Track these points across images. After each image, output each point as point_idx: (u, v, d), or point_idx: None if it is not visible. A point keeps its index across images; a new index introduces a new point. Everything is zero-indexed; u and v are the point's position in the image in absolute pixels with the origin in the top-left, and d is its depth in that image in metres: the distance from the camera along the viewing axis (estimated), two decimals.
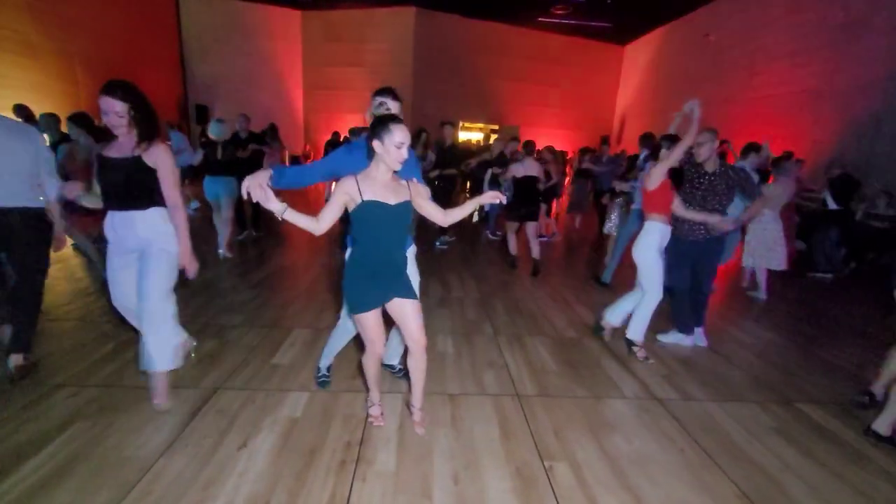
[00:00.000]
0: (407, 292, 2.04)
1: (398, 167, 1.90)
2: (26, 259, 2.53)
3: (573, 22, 14.26)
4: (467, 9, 14.15)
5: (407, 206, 1.97)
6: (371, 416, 2.29)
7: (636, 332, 3.21)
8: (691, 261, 3.33)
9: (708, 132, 3.16)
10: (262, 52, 15.33)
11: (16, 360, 2.45)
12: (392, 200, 1.91)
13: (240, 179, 4.26)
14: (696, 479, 2.03)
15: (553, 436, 2.28)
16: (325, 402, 2.43)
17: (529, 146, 5.53)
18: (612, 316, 3.43)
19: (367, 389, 2.33)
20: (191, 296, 3.85)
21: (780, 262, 4.70)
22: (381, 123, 1.84)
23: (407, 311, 2.03)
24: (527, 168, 5.10)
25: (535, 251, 5.26)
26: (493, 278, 5.03)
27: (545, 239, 6.95)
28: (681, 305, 3.43)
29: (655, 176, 3.07)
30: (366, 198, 1.86)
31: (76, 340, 2.96)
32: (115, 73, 10.88)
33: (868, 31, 7.64)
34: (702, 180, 3.25)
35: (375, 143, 1.84)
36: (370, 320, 2.00)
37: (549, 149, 6.57)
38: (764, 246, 4.71)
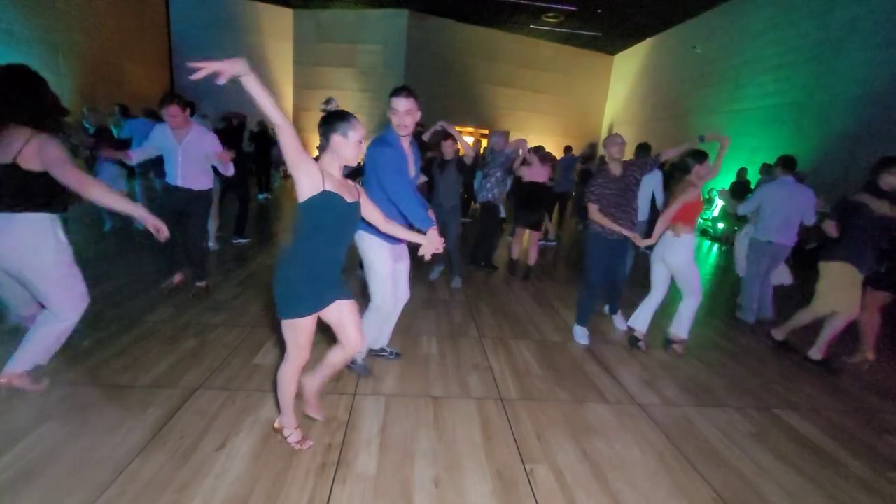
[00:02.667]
0: (344, 293, 1.92)
1: (355, 163, 1.87)
2: None
3: (564, 30, 14.43)
4: (460, 14, 14.22)
5: (358, 207, 1.89)
6: (294, 443, 2.03)
7: (684, 330, 3.49)
8: (608, 256, 3.52)
9: (618, 135, 3.43)
10: (252, 50, 15.20)
11: (199, 284, 3.79)
12: (348, 198, 1.82)
13: (218, 175, 4.11)
14: (674, 484, 2.05)
15: (535, 439, 2.28)
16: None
17: (540, 151, 5.49)
18: (638, 323, 3.55)
19: (280, 410, 2.03)
20: (174, 294, 3.78)
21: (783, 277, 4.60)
22: (341, 118, 1.77)
23: (345, 312, 1.91)
24: (534, 173, 5.05)
25: (532, 257, 5.31)
26: (479, 281, 5.03)
27: (542, 244, 6.95)
28: (591, 300, 3.59)
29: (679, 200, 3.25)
30: (327, 187, 1.72)
31: None
32: (100, 65, 10.69)
33: (847, 49, 7.86)
34: (611, 184, 3.41)
35: (336, 137, 1.77)
36: (307, 326, 1.81)
37: (540, 148, 6.34)
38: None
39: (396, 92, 2.36)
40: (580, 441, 2.30)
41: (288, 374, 1.91)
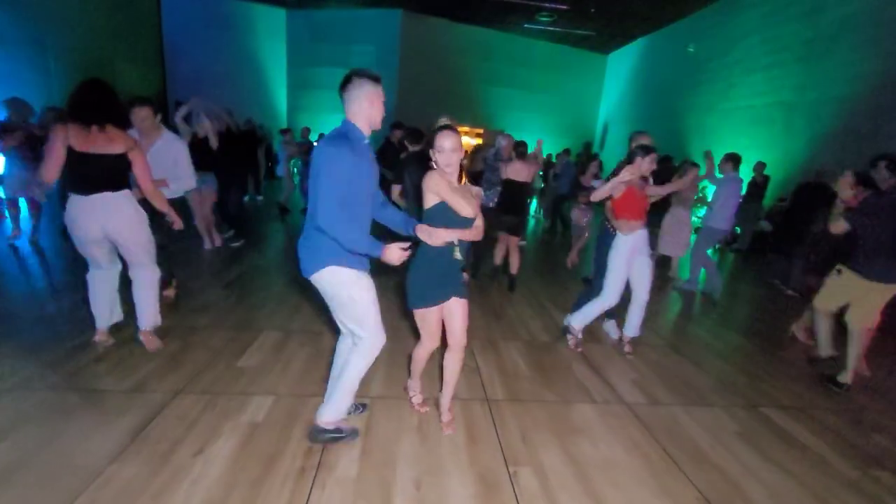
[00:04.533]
0: (462, 292, 2.17)
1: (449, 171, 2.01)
2: None
3: (558, 29, 14.43)
4: (454, 13, 14.20)
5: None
6: (416, 406, 2.46)
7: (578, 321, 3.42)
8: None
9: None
10: (245, 50, 15.13)
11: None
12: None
13: (218, 175, 4.17)
14: (658, 485, 2.03)
15: (520, 441, 2.27)
16: (290, 407, 2.37)
17: (520, 147, 4.87)
18: (628, 330, 3.44)
19: (410, 376, 2.51)
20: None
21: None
22: (438, 130, 2.04)
23: (457, 310, 2.15)
24: (512, 170, 4.52)
25: (514, 265, 4.76)
26: (471, 282, 5.00)
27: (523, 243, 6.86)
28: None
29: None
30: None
31: (30, 341, 2.83)
32: (91, 65, 10.62)
33: (837, 48, 7.89)
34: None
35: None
36: (434, 316, 2.14)
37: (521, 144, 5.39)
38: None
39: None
40: (565, 442, 2.28)
41: (420, 356, 2.34)
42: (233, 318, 3.48)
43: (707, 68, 11.27)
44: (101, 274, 2.79)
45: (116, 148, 2.51)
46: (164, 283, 3.44)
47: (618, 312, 3.59)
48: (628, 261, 3.22)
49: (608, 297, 3.26)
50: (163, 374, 2.59)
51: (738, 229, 8.31)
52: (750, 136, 9.56)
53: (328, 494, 1.80)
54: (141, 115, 3.21)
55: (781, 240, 6.09)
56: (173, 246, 3.78)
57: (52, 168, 2.39)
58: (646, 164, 3.12)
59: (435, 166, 2.03)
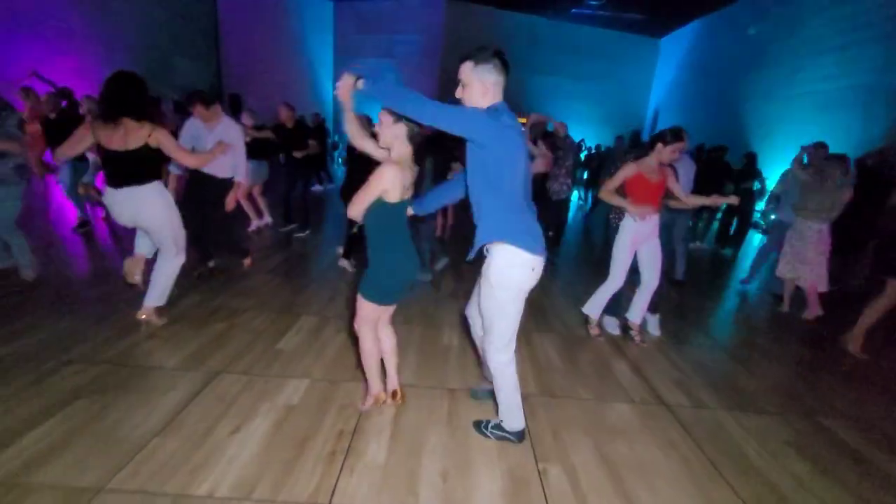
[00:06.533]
0: None
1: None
2: None
3: (607, 14, 13.85)
4: (499, 0, 13.93)
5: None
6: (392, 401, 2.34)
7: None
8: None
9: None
10: (294, 43, 15.53)
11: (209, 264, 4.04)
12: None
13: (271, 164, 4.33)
14: (699, 491, 1.92)
15: (551, 437, 2.21)
16: (324, 391, 2.43)
17: (533, 131, 4.87)
18: (632, 315, 3.38)
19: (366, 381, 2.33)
20: (207, 279, 3.94)
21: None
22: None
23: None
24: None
25: None
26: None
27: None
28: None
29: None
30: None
31: (94, 316, 3.04)
32: (152, 61, 11.17)
33: None
34: None
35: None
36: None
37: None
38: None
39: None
40: (598, 441, 2.20)
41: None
42: (274, 302, 3.59)
43: (769, 51, 10.47)
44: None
45: (133, 142, 2.54)
46: (243, 254, 4.29)
47: (614, 307, 3.50)
48: (633, 246, 3.17)
49: (613, 280, 3.26)
50: (207, 353, 2.71)
51: None
52: (819, 124, 8.82)
53: (356, 480, 1.83)
54: (196, 110, 3.66)
55: (848, 235, 5.58)
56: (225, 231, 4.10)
57: (65, 148, 2.61)
58: (667, 153, 2.96)
59: None
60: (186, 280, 3.89)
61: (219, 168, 3.76)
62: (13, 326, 2.79)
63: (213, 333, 2.98)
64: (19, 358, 2.47)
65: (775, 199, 4.90)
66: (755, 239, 8.46)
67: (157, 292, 2.97)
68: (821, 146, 4.73)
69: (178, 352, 2.70)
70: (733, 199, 3.18)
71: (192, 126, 3.77)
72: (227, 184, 3.86)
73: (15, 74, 7.56)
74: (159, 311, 3.03)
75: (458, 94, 1.86)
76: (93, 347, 2.64)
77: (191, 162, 2.86)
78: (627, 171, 3.03)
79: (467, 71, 1.80)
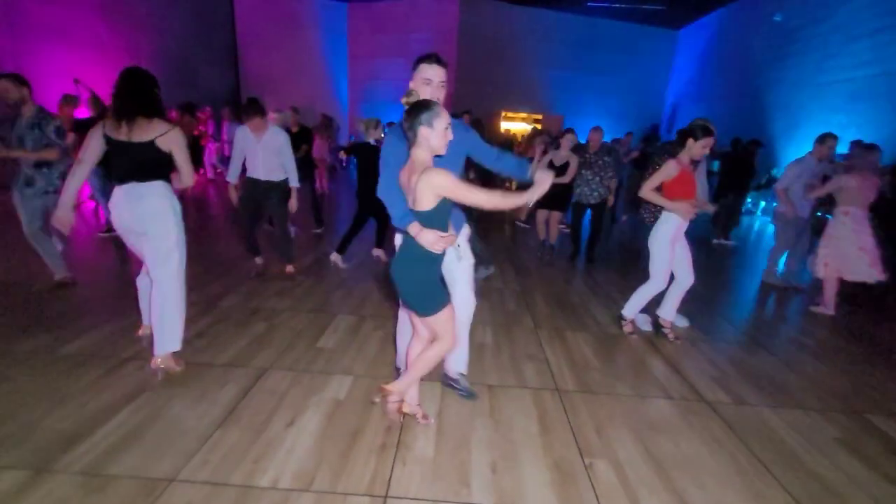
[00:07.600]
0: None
1: (444, 152, 1.84)
2: None
3: (624, 6, 13.66)
4: None
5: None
6: (421, 418, 2.20)
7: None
8: None
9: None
10: (310, 46, 15.70)
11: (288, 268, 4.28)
12: None
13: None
14: (748, 487, 1.93)
15: (594, 433, 2.24)
16: (368, 387, 2.49)
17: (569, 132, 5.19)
18: (664, 312, 3.38)
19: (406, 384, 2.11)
20: (252, 278, 4.11)
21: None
22: (426, 108, 1.76)
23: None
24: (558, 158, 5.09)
25: (552, 236, 5.37)
26: (533, 270, 4.96)
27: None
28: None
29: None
30: None
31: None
32: (176, 70, 11.49)
33: None
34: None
35: (423, 129, 1.76)
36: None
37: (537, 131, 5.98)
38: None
39: (427, 59, 2.00)
40: (642, 437, 2.22)
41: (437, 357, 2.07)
42: (309, 302, 3.69)
43: (797, 38, 10.20)
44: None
45: (138, 136, 2.33)
46: (285, 261, 4.31)
47: (647, 307, 3.45)
48: (672, 244, 3.17)
49: (656, 282, 3.24)
50: (253, 351, 2.81)
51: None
52: (848, 113, 8.59)
53: (409, 471, 1.89)
54: (253, 121, 3.84)
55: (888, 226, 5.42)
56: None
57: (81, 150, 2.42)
58: (698, 148, 2.97)
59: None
60: (227, 279, 4.04)
61: (273, 172, 4.01)
62: (79, 324, 3.00)
63: (256, 333, 3.08)
64: (88, 355, 2.63)
65: (783, 193, 4.66)
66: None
67: (169, 335, 2.44)
68: (858, 144, 4.67)
69: (226, 349, 2.81)
70: (710, 208, 3.60)
71: (242, 135, 3.94)
72: (283, 185, 4.10)
73: (51, 84, 7.84)
74: (176, 356, 2.51)
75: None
76: (148, 345, 2.75)
77: (188, 181, 2.54)
78: (670, 170, 3.02)
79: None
